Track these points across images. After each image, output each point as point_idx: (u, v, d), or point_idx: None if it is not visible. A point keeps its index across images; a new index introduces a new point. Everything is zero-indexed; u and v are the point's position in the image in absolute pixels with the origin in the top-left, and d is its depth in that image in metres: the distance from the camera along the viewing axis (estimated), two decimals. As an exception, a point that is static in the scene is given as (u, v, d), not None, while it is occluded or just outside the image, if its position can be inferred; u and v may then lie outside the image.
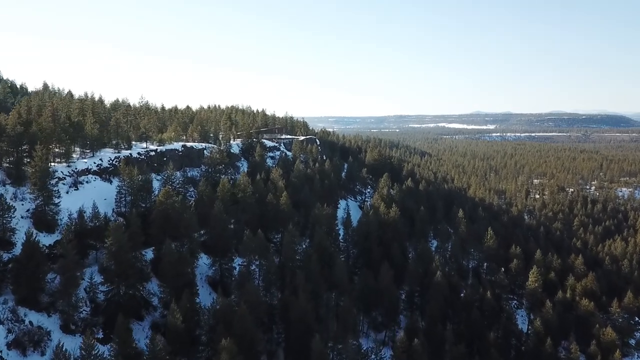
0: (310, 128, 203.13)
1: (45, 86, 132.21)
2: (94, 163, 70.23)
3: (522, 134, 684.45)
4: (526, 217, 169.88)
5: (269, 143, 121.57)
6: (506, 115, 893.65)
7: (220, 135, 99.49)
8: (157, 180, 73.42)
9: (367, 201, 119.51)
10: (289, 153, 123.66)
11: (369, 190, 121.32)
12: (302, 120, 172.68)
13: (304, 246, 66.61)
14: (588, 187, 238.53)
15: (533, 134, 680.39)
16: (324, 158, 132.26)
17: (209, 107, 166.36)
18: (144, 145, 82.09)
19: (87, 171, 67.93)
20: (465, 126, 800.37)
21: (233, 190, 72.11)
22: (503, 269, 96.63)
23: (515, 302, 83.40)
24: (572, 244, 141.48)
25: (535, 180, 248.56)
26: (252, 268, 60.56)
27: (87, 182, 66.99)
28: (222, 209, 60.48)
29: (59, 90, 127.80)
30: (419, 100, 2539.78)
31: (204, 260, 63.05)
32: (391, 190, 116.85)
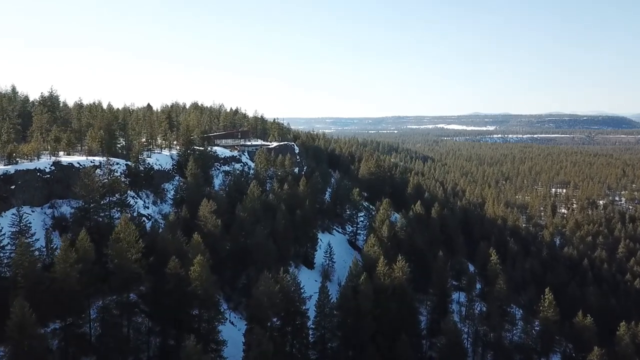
0: (294, 129, 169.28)
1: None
2: None
3: (524, 136, 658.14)
4: (557, 240, 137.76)
5: (224, 152, 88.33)
6: (505, 116, 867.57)
7: (136, 144, 65.97)
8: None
9: (360, 234, 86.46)
10: (253, 165, 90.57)
11: (362, 217, 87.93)
12: (279, 121, 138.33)
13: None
14: (618, 199, 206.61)
15: (535, 136, 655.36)
16: (303, 171, 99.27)
17: (171, 106, 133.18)
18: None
19: None
20: (464, 127, 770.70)
21: (108, 251, 38.71)
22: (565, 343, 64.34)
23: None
24: (626, 281, 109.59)
25: (560, 190, 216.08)
26: None
27: None
28: (24, 304, 27.03)
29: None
30: (416, 101, 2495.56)
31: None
32: (394, 214, 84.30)
